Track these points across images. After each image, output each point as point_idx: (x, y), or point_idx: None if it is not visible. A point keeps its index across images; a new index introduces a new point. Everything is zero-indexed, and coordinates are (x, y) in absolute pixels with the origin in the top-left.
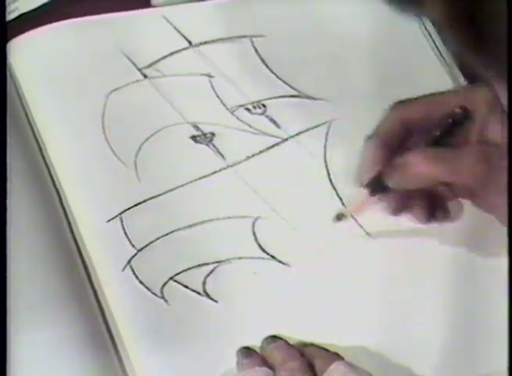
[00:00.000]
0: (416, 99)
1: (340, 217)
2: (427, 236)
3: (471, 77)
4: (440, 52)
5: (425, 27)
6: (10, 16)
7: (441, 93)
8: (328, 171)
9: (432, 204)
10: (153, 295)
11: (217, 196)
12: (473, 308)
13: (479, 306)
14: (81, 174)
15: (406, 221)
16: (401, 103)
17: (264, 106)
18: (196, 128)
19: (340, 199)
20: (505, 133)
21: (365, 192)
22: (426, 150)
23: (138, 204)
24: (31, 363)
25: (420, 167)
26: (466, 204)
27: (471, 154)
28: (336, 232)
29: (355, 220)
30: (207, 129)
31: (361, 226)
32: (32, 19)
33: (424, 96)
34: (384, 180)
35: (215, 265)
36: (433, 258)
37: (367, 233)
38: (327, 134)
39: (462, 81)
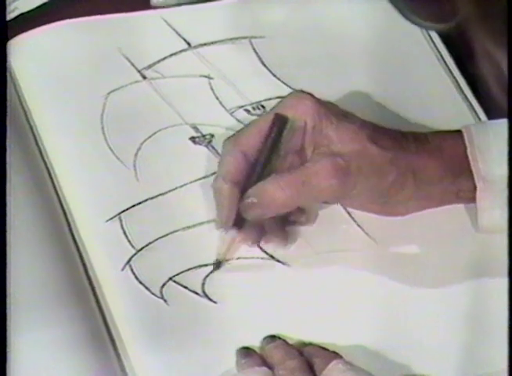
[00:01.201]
0: (246, 127)
1: (218, 265)
2: (427, 237)
3: (471, 77)
4: (440, 52)
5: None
6: (10, 16)
7: (267, 113)
8: None
9: (282, 224)
10: (152, 295)
11: None
12: (473, 308)
13: (479, 306)
14: (80, 174)
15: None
16: (233, 136)
17: (263, 107)
18: (196, 129)
19: None
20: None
21: (232, 232)
22: (277, 177)
23: (138, 204)
24: (31, 363)
25: (280, 197)
26: None
27: (321, 171)
28: (336, 232)
29: (358, 225)
30: (206, 130)
31: (362, 229)
32: (32, 19)
33: (252, 122)
34: (242, 214)
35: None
36: (432, 259)
37: (369, 236)
38: None
39: (462, 80)
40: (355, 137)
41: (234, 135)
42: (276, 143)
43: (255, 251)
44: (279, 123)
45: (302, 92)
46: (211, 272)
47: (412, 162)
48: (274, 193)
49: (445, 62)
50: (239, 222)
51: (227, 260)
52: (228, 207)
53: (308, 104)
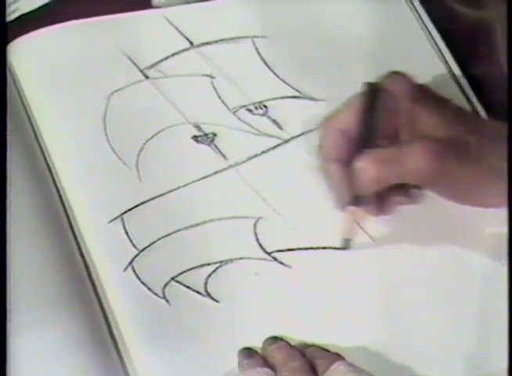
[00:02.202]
0: (337, 108)
1: (346, 243)
2: (427, 238)
3: (473, 77)
4: (441, 53)
5: (426, 27)
6: (11, 17)
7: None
8: None
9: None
10: (154, 296)
11: (218, 196)
12: (473, 308)
13: (479, 306)
14: (83, 175)
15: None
16: (329, 117)
17: (265, 106)
18: (198, 128)
19: None
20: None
21: (351, 209)
22: (369, 152)
23: (140, 204)
24: (31, 363)
25: (369, 172)
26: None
27: (416, 152)
28: (336, 234)
29: (361, 227)
30: (208, 130)
31: (364, 231)
32: (33, 21)
33: (348, 102)
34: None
35: (217, 265)
36: (433, 260)
37: (370, 237)
38: None
39: (463, 80)
40: (452, 123)
41: (329, 116)
42: (372, 113)
43: (257, 252)
44: (372, 91)
45: (398, 72)
46: (343, 249)
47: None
48: (363, 167)
49: (446, 62)
50: (355, 201)
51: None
52: (338, 185)
53: (405, 85)
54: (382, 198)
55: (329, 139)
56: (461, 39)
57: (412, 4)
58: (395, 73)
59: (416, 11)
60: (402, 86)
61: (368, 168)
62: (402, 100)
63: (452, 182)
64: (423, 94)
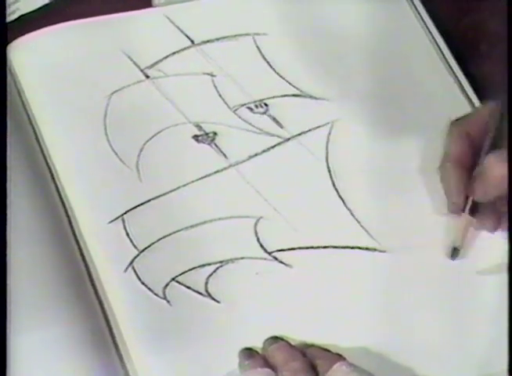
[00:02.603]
0: (471, 112)
1: (456, 251)
2: (430, 239)
3: (473, 76)
4: (442, 52)
5: (426, 27)
6: (11, 18)
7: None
8: (330, 172)
9: None
10: (155, 296)
11: (219, 196)
12: (473, 308)
13: (479, 306)
14: (83, 175)
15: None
16: (459, 119)
17: (266, 105)
18: (199, 127)
19: (342, 200)
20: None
21: (465, 217)
22: (500, 151)
23: (141, 204)
24: (31, 363)
25: (500, 168)
26: None
27: None
28: (337, 233)
29: (363, 228)
30: (209, 129)
31: (365, 230)
32: (33, 21)
33: (477, 107)
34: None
35: (217, 265)
36: (435, 260)
37: (372, 237)
38: (329, 134)
39: (463, 79)
40: None
41: (461, 117)
42: (501, 121)
43: (258, 252)
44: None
45: None
46: (452, 258)
47: None
48: (492, 165)
49: (446, 60)
50: (472, 208)
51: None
52: (456, 189)
53: None
54: (497, 212)
55: (455, 140)
56: (461, 38)
57: (413, 3)
58: None
59: (417, 10)
60: None
61: (496, 165)
62: None
63: None
64: None
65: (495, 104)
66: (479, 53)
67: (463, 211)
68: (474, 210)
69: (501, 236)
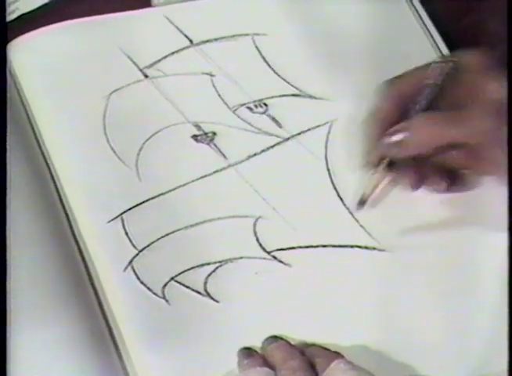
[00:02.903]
0: (408, 72)
1: (361, 202)
2: (429, 237)
3: None
4: (441, 52)
5: (426, 27)
6: (10, 17)
7: (430, 62)
8: (329, 171)
9: (447, 174)
10: (154, 295)
11: (218, 195)
12: (473, 307)
13: (479, 306)
14: (82, 174)
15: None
16: (393, 79)
17: (265, 105)
18: (198, 127)
19: (341, 199)
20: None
21: (379, 173)
22: (427, 113)
23: (140, 204)
24: (31, 363)
25: (425, 129)
26: None
27: (475, 112)
28: (336, 232)
29: (362, 227)
30: (208, 128)
31: (366, 230)
32: (33, 20)
33: (415, 69)
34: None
35: (216, 265)
36: (434, 259)
37: (371, 236)
38: (328, 134)
39: None
40: None
41: (392, 77)
42: (441, 89)
43: (257, 251)
44: (449, 68)
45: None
46: (357, 206)
47: None
48: (419, 126)
49: None
50: (389, 165)
51: (371, 200)
52: (374, 142)
53: (478, 55)
54: (421, 173)
55: (383, 97)
56: (461, 38)
57: (412, 3)
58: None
59: (416, 10)
60: (472, 58)
61: (426, 125)
62: (473, 73)
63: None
64: (493, 65)
65: (439, 64)
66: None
67: (378, 165)
68: (392, 165)
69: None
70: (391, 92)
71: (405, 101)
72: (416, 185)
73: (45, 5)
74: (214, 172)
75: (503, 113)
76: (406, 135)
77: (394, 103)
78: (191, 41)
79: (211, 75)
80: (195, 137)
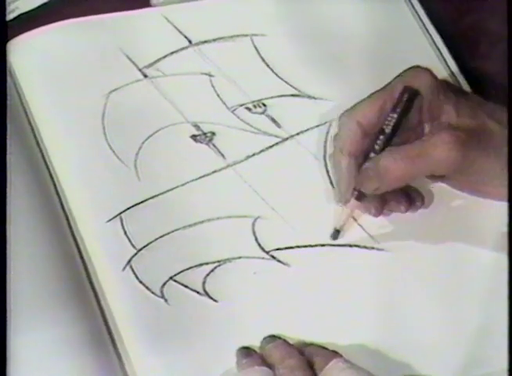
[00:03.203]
0: (364, 100)
1: (336, 234)
2: (426, 237)
3: (472, 76)
4: (440, 53)
5: (425, 27)
6: (10, 16)
7: (385, 86)
8: (328, 171)
9: (404, 196)
10: (152, 295)
11: (217, 195)
12: (473, 307)
13: (479, 306)
14: (81, 174)
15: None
16: (350, 109)
17: (264, 105)
18: (197, 127)
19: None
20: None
21: (352, 204)
22: (393, 150)
23: (138, 203)
24: (31, 363)
25: (395, 170)
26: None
27: (437, 140)
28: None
29: (361, 226)
30: (207, 128)
31: (363, 228)
32: (32, 19)
33: (370, 95)
34: (359, 187)
35: (215, 264)
36: (432, 258)
37: (370, 236)
38: (327, 134)
39: (462, 79)
40: (474, 113)
41: (351, 107)
42: (403, 116)
43: (256, 251)
44: (409, 95)
45: (420, 67)
46: (331, 238)
47: None
48: (389, 166)
49: (445, 60)
50: (358, 196)
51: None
52: (347, 179)
53: (427, 78)
54: (383, 199)
55: (347, 130)
56: (460, 38)
57: (411, 3)
58: (417, 67)
59: (415, 10)
60: (424, 79)
61: (394, 166)
62: (425, 93)
63: (474, 172)
64: (445, 87)
65: (399, 89)
66: (479, 53)
67: (351, 198)
68: (360, 196)
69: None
70: (351, 123)
71: (367, 128)
72: (379, 212)
73: (45, 4)
74: (213, 172)
75: (466, 139)
76: (375, 174)
77: (359, 133)
78: (190, 41)
79: (210, 75)
80: (194, 137)
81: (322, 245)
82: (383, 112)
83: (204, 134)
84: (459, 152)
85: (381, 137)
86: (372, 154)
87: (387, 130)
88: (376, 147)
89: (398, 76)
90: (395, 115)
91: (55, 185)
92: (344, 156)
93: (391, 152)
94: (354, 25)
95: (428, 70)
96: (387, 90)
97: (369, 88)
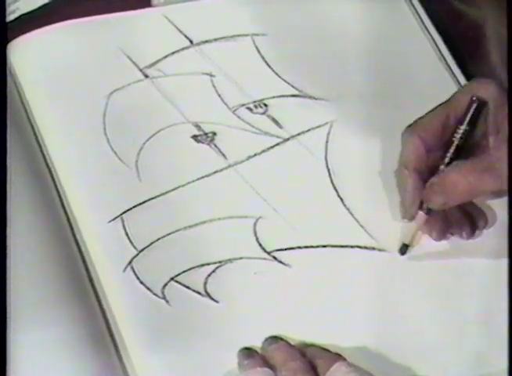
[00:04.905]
0: (426, 114)
1: (404, 249)
2: (428, 238)
3: (472, 76)
4: (441, 53)
5: (425, 26)
6: (11, 17)
7: (449, 99)
8: (329, 172)
9: (470, 219)
10: (154, 296)
11: (218, 196)
12: (473, 308)
13: (479, 306)
14: (82, 174)
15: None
16: (413, 125)
17: (265, 105)
18: (198, 127)
19: (341, 199)
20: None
21: (419, 217)
22: (460, 164)
23: (140, 204)
24: (31, 363)
25: (463, 185)
26: None
27: (502, 154)
28: (336, 232)
29: (362, 227)
30: (208, 129)
31: (365, 230)
32: (33, 20)
33: (434, 109)
34: (425, 202)
35: (216, 265)
36: (432, 258)
37: (371, 236)
38: (328, 134)
39: (463, 79)
40: None
41: (413, 123)
42: (472, 128)
43: (257, 252)
44: (478, 106)
45: (483, 78)
46: (400, 253)
47: None
48: (457, 180)
49: (445, 60)
50: (427, 211)
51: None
52: (412, 195)
53: (494, 89)
54: (447, 223)
55: (410, 146)
56: (460, 38)
57: (411, 3)
58: (481, 78)
59: (415, 10)
60: (490, 90)
61: (461, 181)
62: (491, 105)
63: None
64: (506, 98)
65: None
66: (479, 53)
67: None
68: (427, 213)
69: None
70: (415, 139)
71: (433, 144)
72: (442, 235)
73: (45, 5)
74: (214, 172)
75: None
76: (441, 189)
77: (422, 149)
78: (191, 41)
79: (211, 75)
80: (195, 137)
81: (324, 246)
82: (446, 126)
83: (205, 134)
84: None
85: (450, 150)
86: (441, 167)
87: (457, 142)
88: (445, 160)
89: (461, 88)
90: (464, 127)
91: (55, 185)
92: (409, 172)
93: (458, 166)
94: (354, 25)
95: (493, 81)
96: (449, 103)
97: (370, 88)
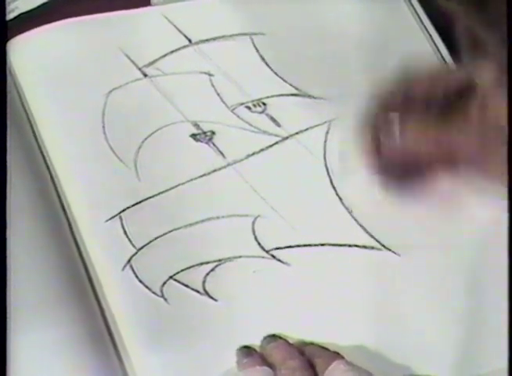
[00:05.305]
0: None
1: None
2: (427, 237)
3: None
4: (440, 53)
5: (424, 25)
6: (10, 16)
7: (446, 68)
8: (328, 170)
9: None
10: (152, 294)
11: (217, 194)
12: (473, 307)
13: (479, 305)
14: (81, 173)
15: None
16: (405, 74)
17: (264, 104)
18: (197, 126)
19: (340, 198)
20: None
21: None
22: (427, 118)
23: (138, 202)
24: (31, 363)
25: (419, 132)
26: None
27: (469, 132)
28: (335, 231)
29: (361, 226)
30: (207, 127)
31: (363, 228)
32: (32, 19)
33: (429, 69)
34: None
35: (215, 263)
36: (433, 258)
37: (369, 235)
38: (327, 133)
39: None
40: None
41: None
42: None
43: (256, 250)
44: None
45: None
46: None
47: None
48: (417, 130)
49: (445, 60)
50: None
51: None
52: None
53: (485, 70)
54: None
55: (394, 85)
56: (460, 39)
57: (411, 3)
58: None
59: (414, 9)
60: (488, 74)
61: (420, 128)
62: (485, 89)
63: None
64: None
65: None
66: (479, 53)
67: None
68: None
69: None
70: (399, 82)
71: (411, 96)
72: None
73: (45, 3)
74: (213, 171)
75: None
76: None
77: (400, 91)
78: (189, 40)
79: (210, 74)
80: (194, 136)
81: (322, 244)
82: (432, 89)
83: (204, 133)
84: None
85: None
86: None
87: (432, 108)
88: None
89: (460, 65)
90: (446, 98)
91: (54, 184)
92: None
93: (424, 117)
94: (353, 25)
95: (490, 65)
96: (443, 71)
97: (369, 87)
